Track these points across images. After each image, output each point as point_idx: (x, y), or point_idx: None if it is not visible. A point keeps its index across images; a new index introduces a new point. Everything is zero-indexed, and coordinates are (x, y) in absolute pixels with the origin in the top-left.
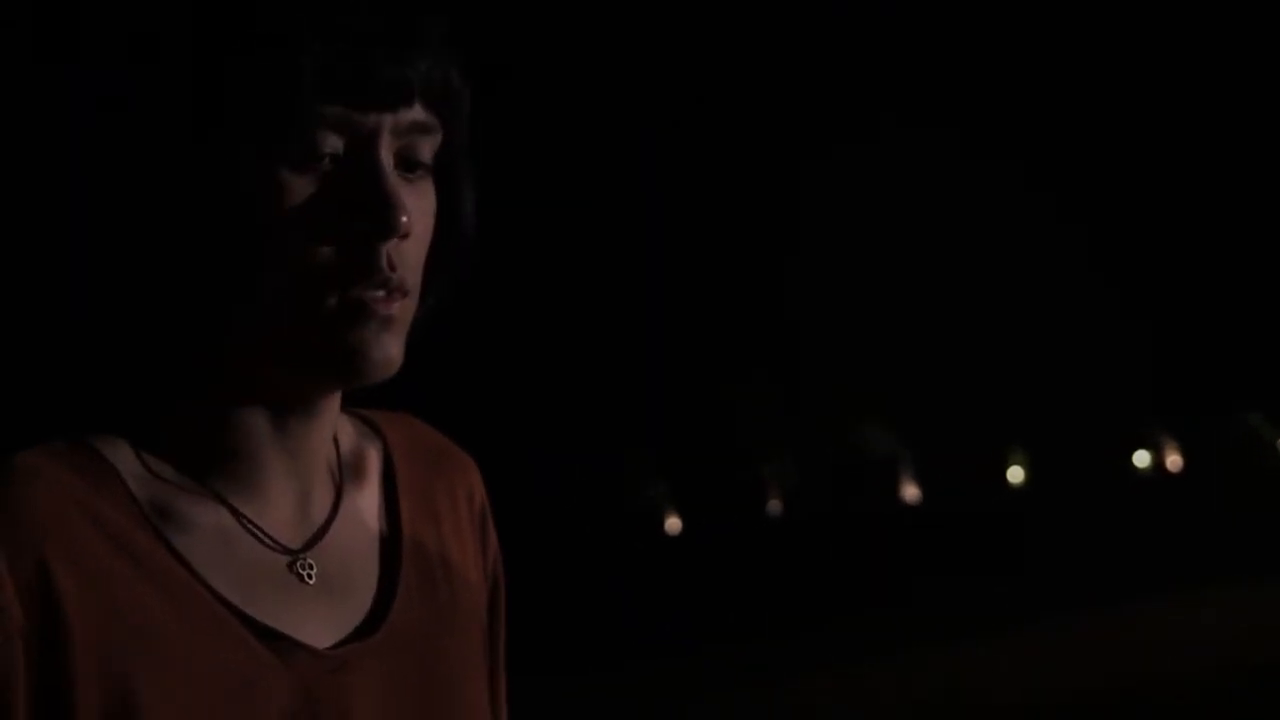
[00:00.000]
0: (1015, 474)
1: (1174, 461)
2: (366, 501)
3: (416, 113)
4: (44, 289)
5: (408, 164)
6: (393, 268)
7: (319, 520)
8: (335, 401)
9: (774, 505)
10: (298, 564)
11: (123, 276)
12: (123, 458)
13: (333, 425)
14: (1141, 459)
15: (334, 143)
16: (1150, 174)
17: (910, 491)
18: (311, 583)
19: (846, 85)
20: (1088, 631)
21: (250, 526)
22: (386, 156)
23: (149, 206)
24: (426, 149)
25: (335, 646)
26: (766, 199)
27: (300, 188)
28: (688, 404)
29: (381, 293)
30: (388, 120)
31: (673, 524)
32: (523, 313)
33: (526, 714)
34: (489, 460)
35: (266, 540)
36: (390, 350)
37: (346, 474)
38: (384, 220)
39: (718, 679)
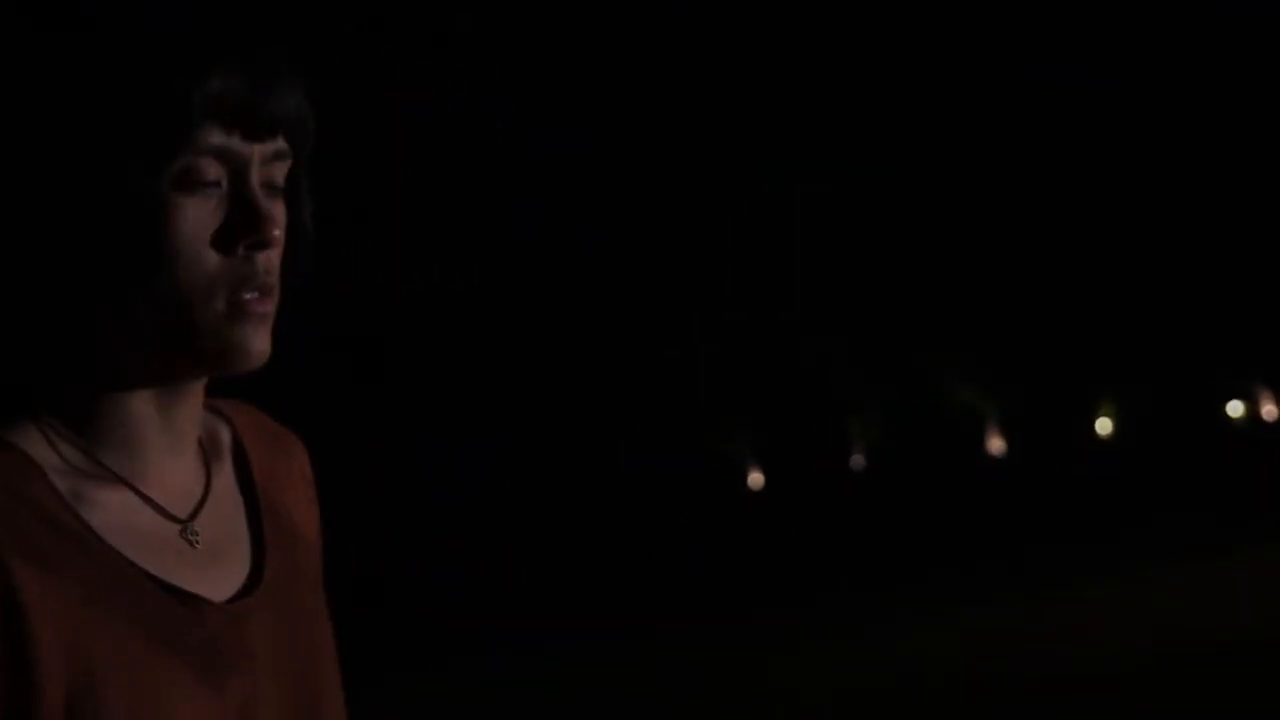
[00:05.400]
0: (1104, 425)
1: (1270, 411)
2: (227, 476)
3: (279, 143)
4: None
5: (269, 186)
6: (266, 273)
7: (197, 493)
8: (203, 388)
9: (857, 459)
10: (187, 531)
11: (27, 279)
12: (39, 451)
13: (200, 409)
14: (1235, 409)
15: (215, 169)
16: (1259, 116)
17: (995, 444)
18: (198, 547)
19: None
20: (1182, 586)
21: (147, 501)
22: (256, 180)
23: (53, 219)
24: (281, 173)
25: (230, 601)
26: (853, 155)
27: (188, 206)
28: (770, 357)
29: (257, 294)
30: (258, 150)
31: (755, 479)
32: (601, 268)
33: (613, 670)
34: (575, 415)
35: (161, 512)
36: (264, 344)
37: (210, 453)
38: (261, 234)
39: (800, 635)
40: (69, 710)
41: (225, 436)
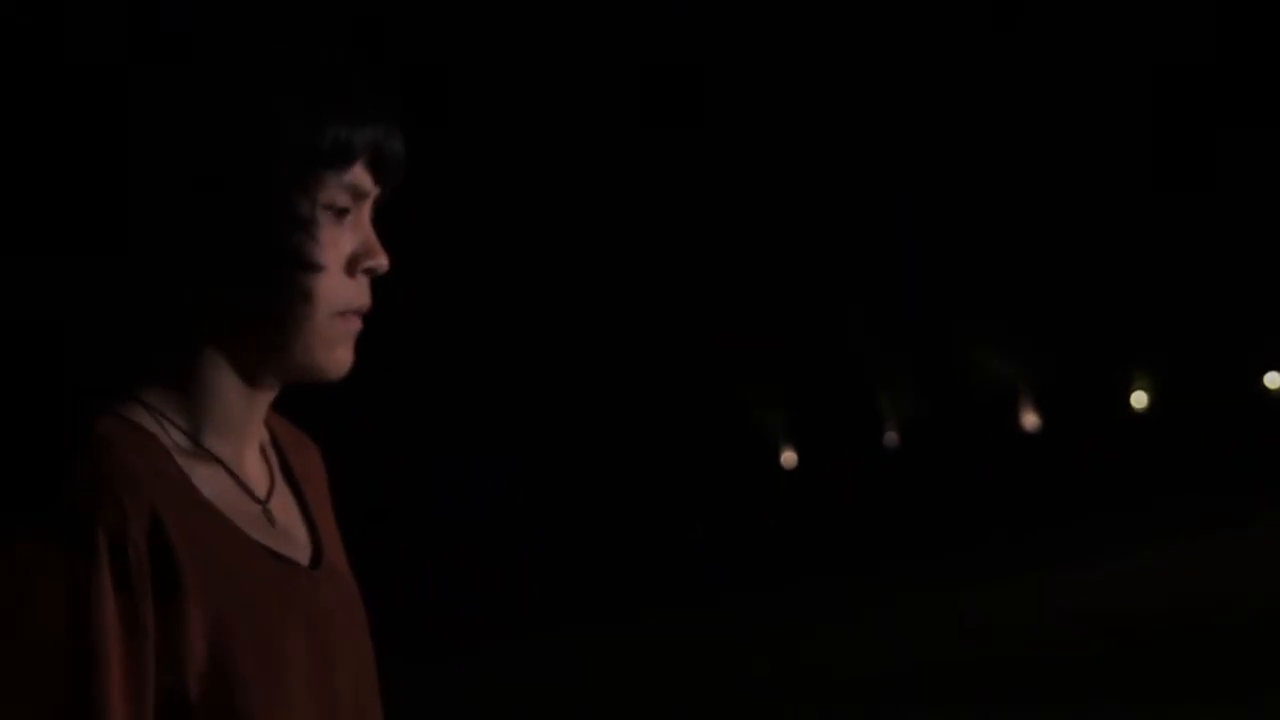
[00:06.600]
0: (1139, 399)
1: None
2: (277, 470)
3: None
4: (90, 291)
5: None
6: (368, 295)
7: (265, 481)
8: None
9: (891, 437)
10: (266, 511)
11: (165, 286)
12: (155, 429)
13: None
14: (1274, 380)
15: (346, 199)
16: None
17: (1030, 419)
18: (276, 526)
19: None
20: (1218, 554)
21: (237, 481)
22: (369, 214)
23: (210, 232)
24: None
25: (309, 569)
26: (884, 146)
27: (328, 228)
28: (804, 337)
29: (357, 314)
30: (376, 188)
31: (789, 457)
32: (631, 251)
33: (652, 643)
34: (608, 398)
35: (248, 492)
36: (351, 358)
37: (265, 449)
38: (378, 262)
39: (834, 608)
40: (209, 640)
41: (266, 436)
